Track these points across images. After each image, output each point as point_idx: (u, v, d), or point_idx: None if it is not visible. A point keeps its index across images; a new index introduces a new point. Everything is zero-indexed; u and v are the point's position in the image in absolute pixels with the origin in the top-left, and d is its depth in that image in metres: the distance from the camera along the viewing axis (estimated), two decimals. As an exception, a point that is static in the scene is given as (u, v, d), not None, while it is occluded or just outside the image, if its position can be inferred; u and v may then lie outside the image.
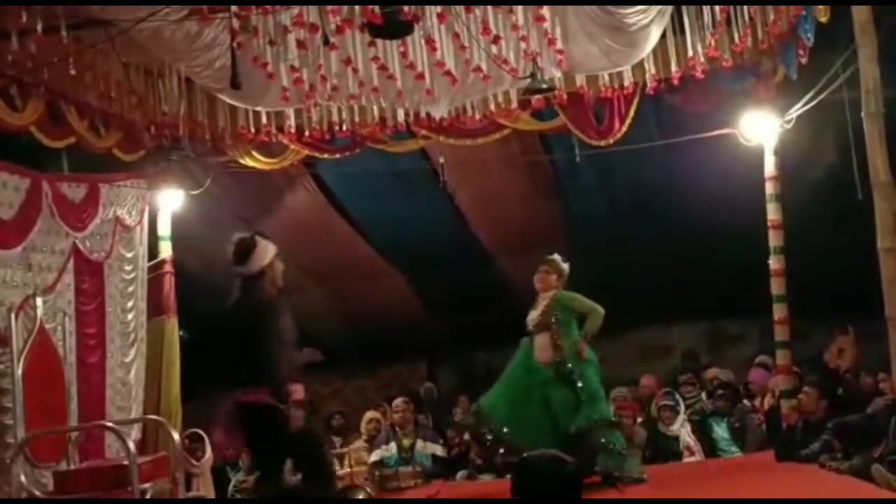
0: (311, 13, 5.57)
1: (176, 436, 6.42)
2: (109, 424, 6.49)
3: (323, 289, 10.36)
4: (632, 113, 7.20)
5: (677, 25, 6.39)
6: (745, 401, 8.47)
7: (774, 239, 7.43)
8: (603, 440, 6.45)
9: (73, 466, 6.07)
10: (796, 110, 7.00)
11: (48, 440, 6.05)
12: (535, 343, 6.78)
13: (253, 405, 4.90)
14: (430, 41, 5.97)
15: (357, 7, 5.40)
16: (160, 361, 7.67)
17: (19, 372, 5.85)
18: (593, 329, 6.75)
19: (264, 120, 7.14)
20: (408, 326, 10.52)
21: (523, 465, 3.11)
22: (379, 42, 5.97)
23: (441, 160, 7.93)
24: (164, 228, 7.91)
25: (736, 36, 6.43)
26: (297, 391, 5.07)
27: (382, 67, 6.27)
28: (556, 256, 7.02)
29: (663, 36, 6.34)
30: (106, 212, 7.16)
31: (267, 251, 5.11)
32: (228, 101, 6.83)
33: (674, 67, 6.65)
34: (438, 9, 5.66)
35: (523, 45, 6.12)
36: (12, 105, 5.81)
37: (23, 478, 5.70)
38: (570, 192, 9.07)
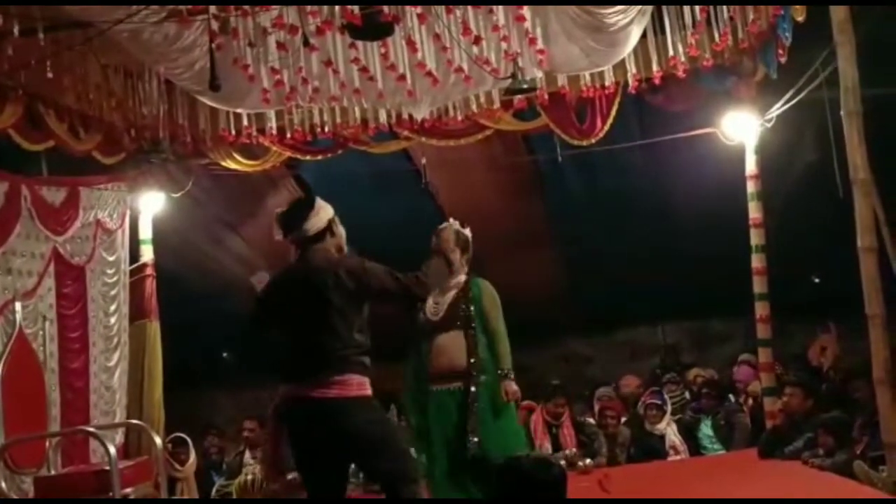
0: (291, 15, 5.54)
1: (158, 440, 6.39)
2: (89, 429, 6.43)
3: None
4: (614, 112, 7.21)
5: (658, 25, 6.39)
6: (732, 398, 8.50)
7: (756, 237, 7.44)
8: None
9: (53, 472, 6.02)
10: (777, 109, 7.03)
11: (28, 446, 6.01)
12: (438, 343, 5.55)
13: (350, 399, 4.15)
14: (410, 42, 5.95)
15: (337, 8, 5.38)
16: (142, 365, 7.63)
17: (-2, 377, 5.82)
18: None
19: (245, 122, 7.09)
20: (397, 329, 10.48)
21: (509, 468, 3.10)
22: (359, 43, 5.94)
23: (423, 161, 7.91)
24: (146, 231, 7.87)
25: (716, 35, 6.44)
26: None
27: (363, 69, 6.25)
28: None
29: (644, 36, 6.33)
30: (87, 215, 7.12)
31: (327, 207, 4.45)
32: (209, 103, 6.78)
33: (655, 67, 6.66)
34: (419, 9, 5.64)
35: (504, 45, 6.11)
36: (-10, 109, 5.78)
37: (3, 484, 5.67)
38: (553, 193, 9.07)
